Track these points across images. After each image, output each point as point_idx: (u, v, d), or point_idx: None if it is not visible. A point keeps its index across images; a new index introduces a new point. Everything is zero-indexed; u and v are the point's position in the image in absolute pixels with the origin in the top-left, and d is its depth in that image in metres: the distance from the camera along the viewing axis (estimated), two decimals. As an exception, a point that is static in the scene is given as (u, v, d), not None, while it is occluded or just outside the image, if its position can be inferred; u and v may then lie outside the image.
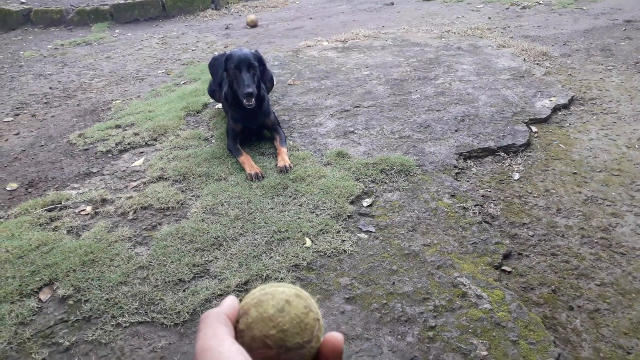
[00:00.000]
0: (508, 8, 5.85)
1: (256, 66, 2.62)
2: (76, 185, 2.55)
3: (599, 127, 2.99)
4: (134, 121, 3.25)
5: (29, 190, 2.55)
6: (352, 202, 2.28)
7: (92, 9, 6.19)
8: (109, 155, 2.87)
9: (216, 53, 4.94)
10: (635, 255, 1.95)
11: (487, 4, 6.05)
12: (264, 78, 2.75)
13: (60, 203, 2.35)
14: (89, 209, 2.29)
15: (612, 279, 1.84)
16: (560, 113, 3.16)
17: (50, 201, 2.36)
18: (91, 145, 2.99)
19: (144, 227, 2.16)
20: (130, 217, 2.22)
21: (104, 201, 2.37)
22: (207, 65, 2.89)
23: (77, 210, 2.29)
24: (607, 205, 2.26)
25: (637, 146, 2.75)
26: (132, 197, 2.38)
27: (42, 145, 3.06)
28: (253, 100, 2.60)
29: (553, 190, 2.39)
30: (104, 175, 2.65)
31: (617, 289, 1.79)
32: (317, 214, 2.17)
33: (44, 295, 1.78)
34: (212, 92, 3.35)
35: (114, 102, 3.68)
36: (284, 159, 2.60)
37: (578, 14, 5.41)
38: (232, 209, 2.23)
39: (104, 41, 5.51)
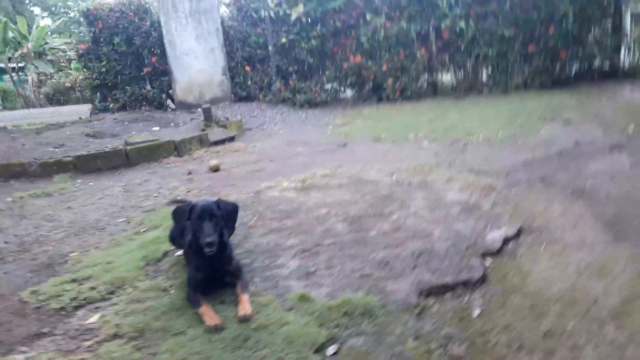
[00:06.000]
0: (452, 144, 6.38)
1: (218, 216, 2.71)
2: (24, 349, 2.40)
3: (549, 256, 3.14)
4: (92, 274, 3.18)
5: (-30, 359, 2.38)
6: (316, 351, 2.23)
7: (55, 161, 6.34)
8: (63, 312, 2.75)
9: (178, 197, 5.07)
10: (601, 391, 1.94)
11: (433, 142, 6.59)
12: (226, 226, 2.82)
13: (4, 372, 2.19)
14: (36, 377, 2.14)
15: (583, 420, 1.81)
16: (510, 244, 3.32)
17: (-7, 371, 2.19)
18: (44, 303, 2.87)
19: (95, 395, 2.02)
20: (80, 384, 2.08)
21: (52, 367, 2.22)
22: (171, 213, 2.94)
23: (22, 380, 2.13)
24: (566, 338, 2.29)
25: (586, 274, 2.88)
26: (84, 358, 2.25)
27: (-10, 306, 2.92)
28: (214, 248, 2.65)
29: (513, 326, 2.42)
30: (55, 335, 2.51)
31: None
32: (280, 368, 2.10)
33: None
34: (173, 239, 3.38)
35: (71, 255, 3.62)
36: (244, 308, 2.56)
37: (516, 147, 5.93)
38: (191, 367, 2.13)
39: (65, 191, 5.57)
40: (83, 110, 11.30)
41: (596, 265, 2.96)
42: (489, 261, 3.09)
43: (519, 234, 3.45)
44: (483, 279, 2.87)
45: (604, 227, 3.49)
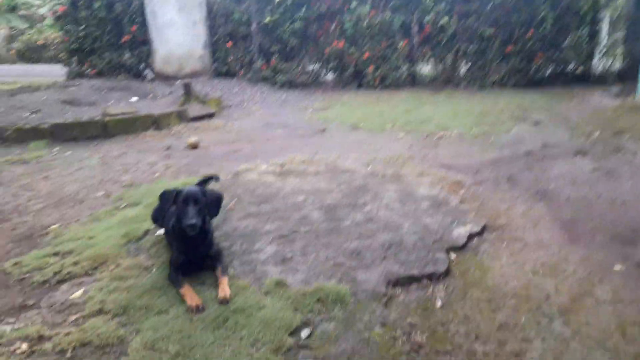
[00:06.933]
0: (426, 137, 6.59)
1: (202, 202, 2.83)
2: (11, 320, 2.50)
3: (509, 253, 3.38)
4: (73, 248, 3.27)
5: (-44, 326, 2.46)
6: (291, 334, 2.41)
7: (31, 127, 6.28)
8: (47, 285, 2.85)
9: (157, 174, 5.13)
10: (543, 380, 2.18)
11: (408, 134, 6.79)
12: (209, 213, 2.94)
13: (-7, 341, 2.29)
14: (24, 346, 2.25)
15: (525, 405, 2.04)
16: (474, 240, 3.55)
17: (-18, 340, 2.29)
18: (27, 275, 2.96)
19: (82, 366, 2.15)
20: (68, 356, 2.21)
21: (40, 338, 2.33)
22: (158, 195, 3.04)
23: (11, 349, 2.24)
24: (518, 331, 2.53)
25: (541, 272, 3.14)
26: (70, 332, 2.37)
27: (-28, 275, 2.99)
28: (196, 230, 2.77)
29: (471, 317, 2.65)
30: (41, 308, 2.62)
31: (530, 415, 1.99)
32: (257, 348, 2.27)
33: None
34: (156, 218, 3.48)
35: (52, 227, 3.68)
36: (224, 290, 2.71)
37: (486, 145, 6.18)
38: (172, 344, 2.28)
39: (42, 159, 5.55)
40: (58, 72, 11.05)
41: (550, 265, 3.22)
42: (453, 256, 3.31)
43: (483, 231, 3.68)
44: (447, 273, 3.08)
45: (561, 229, 3.77)
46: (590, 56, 10.33)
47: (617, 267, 3.17)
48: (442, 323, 2.60)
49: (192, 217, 2.74)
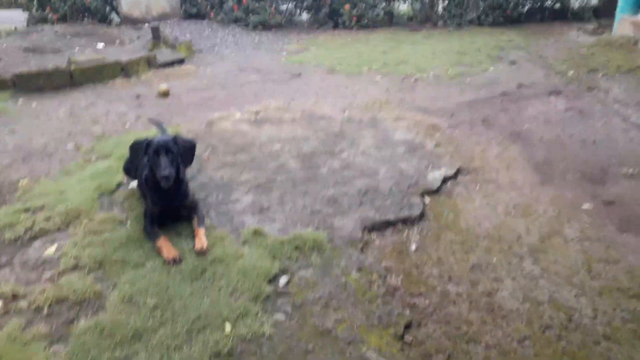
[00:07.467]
0: (403, 80, 6.51)
1: (175, 151, 2.75)
2: (-17, 280, 2.47)
3: (482, 196, 3.44)
4: (44, 204, 3.20)
5: None
6: (269, 282, 2.45)
7: (-9, 77, 5.98)
8: (19, 243, 2.80)
9: (127, 125, 4.98)
10: (513, 317, 2.28)
11: (385, 76, 6.68)
12: (183, 162, 2.87)
13: (-34, 301, 2.27)
14: (-1, 305, 2.24)
15: (495, 341, 2.15)
16: (449, 184, 3.59)
17: (-45, 300, 2.27)
18: (-3, 233, 2.90)
19: (60, 322, 2.16)
20: (45, 313, 2.21)
21: (15, 296, 2.32)
22: (129, 147, 2.95)
23: (-15, 309, 2.23)
24: (490, 271, 2.62)
25: (512, 213, 3.21)
26: (45, 289, 2.36)
27: (-60, 234, 2.92)
28: (171, 181, 2.72)
29: (445, 260, 2.72)
30: (14, 265, 2.59)
31: (499, 350, 2.10)
32: (236, 298, 2.31)
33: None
34: (128, 170, 3.42)
35: (21, 182, 3.59)
36: (201, 241, 2.71)
37: (463, 87, 6.14)
38: (150, 297, 2.30)
39: (6, 113, 5.31)
40: (18, 18, 10.41)
41: (522, 206, 3.29)
42: (427, 200, 3.36)
43: (457, 174, 3.73)
44: (421, 216, 3.14)
45: (533, 170, 3.83)
46: (568, -9, 10.16)
47: (586, 205, 3.26)
48: (417, 266, 2.67)
49: (165, 168, 2.67)
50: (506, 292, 2.46)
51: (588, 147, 4.19)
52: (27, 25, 10.09)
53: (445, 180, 3.60)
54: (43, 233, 2.89)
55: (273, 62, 7.92)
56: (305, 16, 11.41)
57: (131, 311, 2.20)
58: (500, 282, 2.54)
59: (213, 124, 4.80)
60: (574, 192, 3.45)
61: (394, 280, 2.54)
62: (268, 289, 2.39)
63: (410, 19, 11.06)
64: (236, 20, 10.66)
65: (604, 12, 9.78)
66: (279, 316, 2.22)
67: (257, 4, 10.63)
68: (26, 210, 3.15)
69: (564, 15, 10.26)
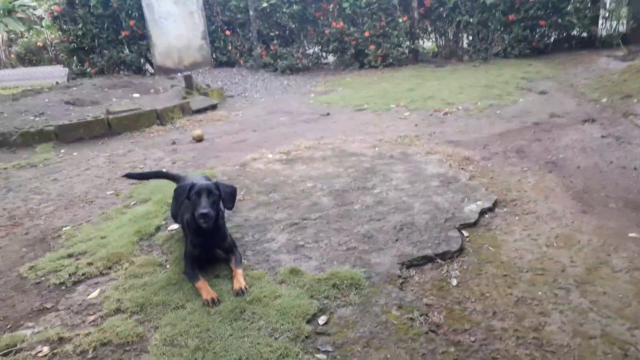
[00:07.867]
0: (432, 114, 6.52)
1: (216, 194, 2.83)
2: (30, 324, 2.53)
3: (522, 227, 3.36)
4: (87, 249, 3.29)
5: (-22, 333, 2.50)
6: (308, 321, 2.42)
7: (36, 131, 6.29)
8: (63, 287, 2.88)
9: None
10: (564, 353, 2.18)
11: (413, 112, 6.73)
12: (225, 206, 2.95)
13: (16, 345, 2.32)
14: (45, 349, 2.28)
15: (546, 379, 2.04)
16: (486, 216, 3.52)
17: (5, 345, 2.32)
18: (43, 278, 2.99)
19: (104, 366, 2.18)
20: (90, 356, 2.23)
21: (61, 340, 2.36)
22: (173, 191, 3.07)
23: (33, 353, 2.27)
24: (535, 305, 2.52)
25: (555, 244, 3.11)
26: (90, 333, 2.39)
27: (-11, 281, 3.02)
28: (209, 221, 2.77)
29: (488, 294, 2.64)
30: (59, 310, 2.65)
31: (552, 388, 1.99)
32: (275, 338, 2.28)
33: None
34: (175, 215, 3.48)
35: (64, 229, 3.71)
36: (239, 281, 2.72)
37: (493, 118, 6.11)
38: (191, 338, 2.30)
39: (49, 162, 5.57)
40: (59, 73, 11.02)
41: (564, 236, 3.19)
42: (466, 233, 3.29)
43: (494, 206, 3.66)
44: (460, 250, 3.07)
45: (573, 199, 3.73)
46: (594, 20, 10.10)
47: (632, 234, 3.14)
48: (459, 301, 2.59)
49: (204, 207, 2.73)
50: (554, 326, 2.36)
51: (629, 173, 4.06)
52: (68, 80, 10.66)
53: (482, 212, 3.54)
54: (86, 277, 2.96)
55: (302, 103, 8.10)
56: (331, 58, 11.70)
57: (173, 353, 2.21)
58: (547, 316, 2.44)
59: (246, 165, 4.89)
60: (618, 221, 3.33)
61: (436, 317, 2.47)
62: (308, 328, 2.36)
63: (435, 55, 11.20)
64: (265, 66, 11.01)
65: (633, 39, 9.67)
66: (320, 356, 2.18)
67: (284, 49, 10.98)
68: (69, 255, 3.25)
69: (591, 44, 10.20)
